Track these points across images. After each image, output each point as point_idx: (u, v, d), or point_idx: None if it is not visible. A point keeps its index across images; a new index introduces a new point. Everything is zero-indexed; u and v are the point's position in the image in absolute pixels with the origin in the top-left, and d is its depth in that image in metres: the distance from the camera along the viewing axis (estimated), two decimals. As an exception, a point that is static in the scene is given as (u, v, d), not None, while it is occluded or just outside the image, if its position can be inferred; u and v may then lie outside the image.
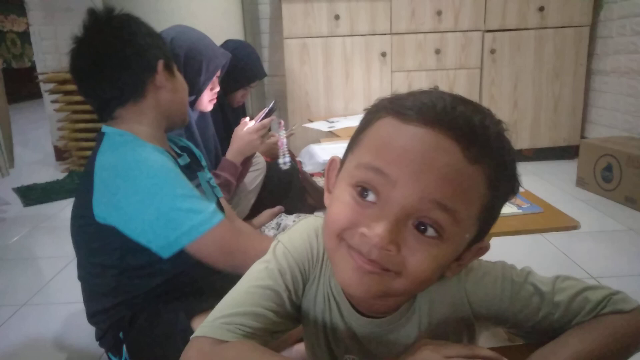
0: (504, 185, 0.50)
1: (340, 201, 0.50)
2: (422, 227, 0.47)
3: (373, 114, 0.52)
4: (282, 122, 1.89)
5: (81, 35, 1.05)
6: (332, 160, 0.57)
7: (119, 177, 0.97)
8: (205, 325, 0.56)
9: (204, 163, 1.31)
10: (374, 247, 0.47)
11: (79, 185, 1.11)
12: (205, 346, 0.54)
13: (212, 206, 1.00)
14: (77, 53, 1.06)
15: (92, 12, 1.06)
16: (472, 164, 0.46)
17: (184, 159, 1.18)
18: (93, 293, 1.10)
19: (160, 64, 1.08)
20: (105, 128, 1.07)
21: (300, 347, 1.00)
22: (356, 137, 0.53)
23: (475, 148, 0.46)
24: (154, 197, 0.95)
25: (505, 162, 0.50)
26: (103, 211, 0.98)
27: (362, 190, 0.49)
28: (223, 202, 1.36)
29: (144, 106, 1.07)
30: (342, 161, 0.55)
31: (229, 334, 0.54)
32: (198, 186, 1.18)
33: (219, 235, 0.97)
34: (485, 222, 0.51)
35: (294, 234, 0.64)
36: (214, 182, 1.33)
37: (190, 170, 1.18)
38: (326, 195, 0.56)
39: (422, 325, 0.60)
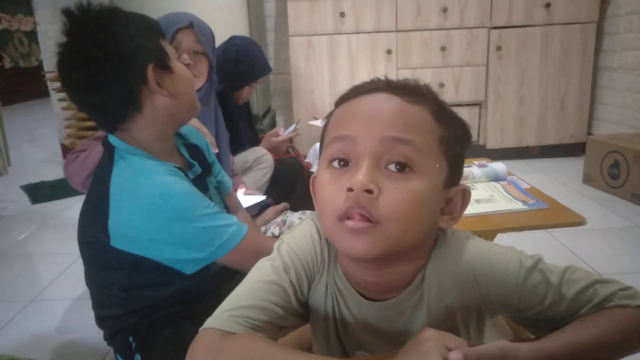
0: (452, 122, 0.59)
1: (324, 182, 0.58)
2: (394, 166, 0.54)
3: (327, 119, 0.63)
4: (283, 129, 2.29)
5: (62, 41, 0.96)
6: (313, 178, 0.63)
7: (142, 212, 0.93)
8: (213, 318, 0.57)
9: (211, 158, 1.26)
10: (359, 193, 0.52)
11: (89, 197, 1.05)
12: (212, 338, 0.55)
13: (234, 217, 1.03)
14: (61, 62, 0.97)
15: (68, 13, 0.94)
16: (413, 104, 0.57)
17: (195, 171, 1.10)
18: (102, 301, 1.08)
19: (150, 70, 0.94)
20: (112, 139, 0.99)
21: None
22: (322, 141, 0.63)
23: (411, 94, 0.57)
24: (182, 225, 0.95)
25: (442, 104, 0.60)
26: (123, 242, 0.95)
27: (336, 161, 0.57)
28: (232, 194, 1.35)
29: (144, 118, 0.98)
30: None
31: (236, 326, 0.55)
32: (207, 192, 1.14)
33: (249, 242, 1.00)
34: (452, 160, 0.58)
35: (297, 235, 0.67)
36: (223, 176, 1.31)
37: (201, 181, 1.12)
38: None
39: (432, 309, 0.60)
